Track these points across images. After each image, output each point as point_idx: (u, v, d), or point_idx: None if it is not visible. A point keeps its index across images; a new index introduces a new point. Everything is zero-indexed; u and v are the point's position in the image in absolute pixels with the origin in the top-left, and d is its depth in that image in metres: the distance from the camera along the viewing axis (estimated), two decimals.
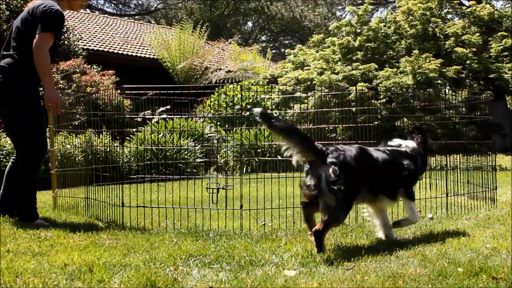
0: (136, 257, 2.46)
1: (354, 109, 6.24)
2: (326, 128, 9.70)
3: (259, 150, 7.68)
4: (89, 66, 9.90)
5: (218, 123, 9.35)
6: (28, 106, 3.31)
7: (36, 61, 3.20)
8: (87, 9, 29.01)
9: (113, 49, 13.75)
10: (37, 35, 3.19)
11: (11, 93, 3.28)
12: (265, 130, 8.09)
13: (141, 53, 14.30)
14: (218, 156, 7.97)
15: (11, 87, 3.27)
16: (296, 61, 13.29)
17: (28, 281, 2.08)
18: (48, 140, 3.84)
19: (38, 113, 3.33)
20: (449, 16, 13.21)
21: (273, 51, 25.65)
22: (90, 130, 4.59)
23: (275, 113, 9.49)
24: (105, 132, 5.61)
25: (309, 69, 12.04)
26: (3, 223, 3.33)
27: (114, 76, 9.91)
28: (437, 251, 2.57)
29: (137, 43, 15.50)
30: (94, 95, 7.70)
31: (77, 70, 9.27)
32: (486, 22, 12.58)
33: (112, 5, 32.97)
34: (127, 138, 7.50)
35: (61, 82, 8.77)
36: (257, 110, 2.71)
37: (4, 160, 5.75)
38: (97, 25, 16.17)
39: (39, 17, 3.24)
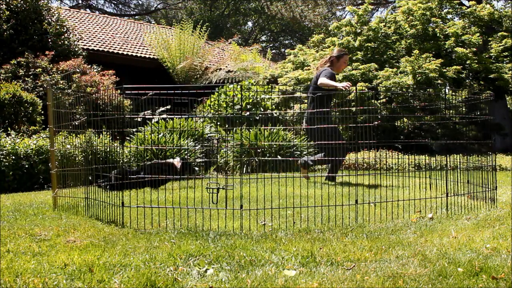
0: (136, 257, 2.46)
1: (354, 109, 6.25)
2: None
3: (259, 150, 7.68)
4: (89, 66, 9.90)
5: (218, 123, 9.35)
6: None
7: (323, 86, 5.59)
8: (87, 9, 29.05)
9: (113, 49, 13.75)
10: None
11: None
12: (265, 130, 8.09)
13: (141, 53, 14.30)
14: (218, 156, 7.97)
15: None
16: (296, 61, 13.29)
17: (28, 281, 2.08)
18: (48, 140, 4.01)
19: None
20: (449, 16, 13.22)
21: (273, 51, 25.67)
22: (90, 130, 4.59)
23: (275, 113, 9.49)
24: (105, 132, 5.62)
25: (309, 69, 12.05)
26: (2, 223, 3.34)
27: (114, 76, 9.92)
28: (437, 251, 2.57)
29: (137, 43, 15.50)
30: (94, 95, 7.71)
31: (77, 70, 9.27)
32: (486, 22, 12.60)
33: (112, 5, 32.98)
34: (127, 138, 7.50)
35: (61, 82, 8.77)
36: None
37: (4, 160, 5.75)
38: (97, 25, 16.17)
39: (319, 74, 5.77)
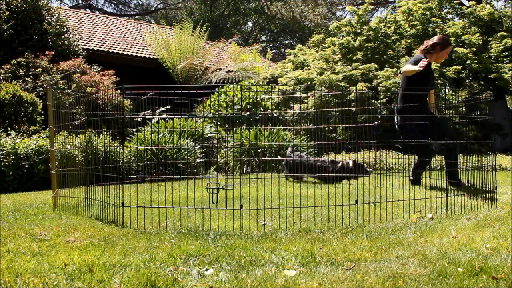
0: (136, 257, 2.46)
1: (354, 109, 6.24)
2: (326, 128, 9.71)
3: (259, 150, 7.68)
4: (89, 66, 9.90)
5: (218, 123, 9.35)
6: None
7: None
8: (87, 9, 29.05)
9: (113, 49, 13.75)
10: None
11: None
12: (265, 130, 8.09)
13: (141, 53, 14.30)
14: (218, 156, 7.97)
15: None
16: (296, 61, 13.29)
17: (28, 281, 2.08)
18: (48, 140, 4.03)
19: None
20: (449, 16, 13.20)
21: (273, 51, 25.66)
22: (90, 130, 4.59)
23: (275, 113, 9.49)
24: (105, 132, 5.61)
25: (309, 69, 12.04)
26: (2, 223, 3.34)
27: (114, 76, 9.92)
28: (437, 251, 2.57)
29: (137, 43, 15.50)
30: (94, 95, 7.71)
31: (77, 70, 9.27)
32: (486, 22, 12.59)
33: (112, 5, 32.98)
34: (127, 138, 7.50)
35: (61, 82, 8.77)
36: None
37: (4, 160, 5.75)
38: (97, 25, 16.17)
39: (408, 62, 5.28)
